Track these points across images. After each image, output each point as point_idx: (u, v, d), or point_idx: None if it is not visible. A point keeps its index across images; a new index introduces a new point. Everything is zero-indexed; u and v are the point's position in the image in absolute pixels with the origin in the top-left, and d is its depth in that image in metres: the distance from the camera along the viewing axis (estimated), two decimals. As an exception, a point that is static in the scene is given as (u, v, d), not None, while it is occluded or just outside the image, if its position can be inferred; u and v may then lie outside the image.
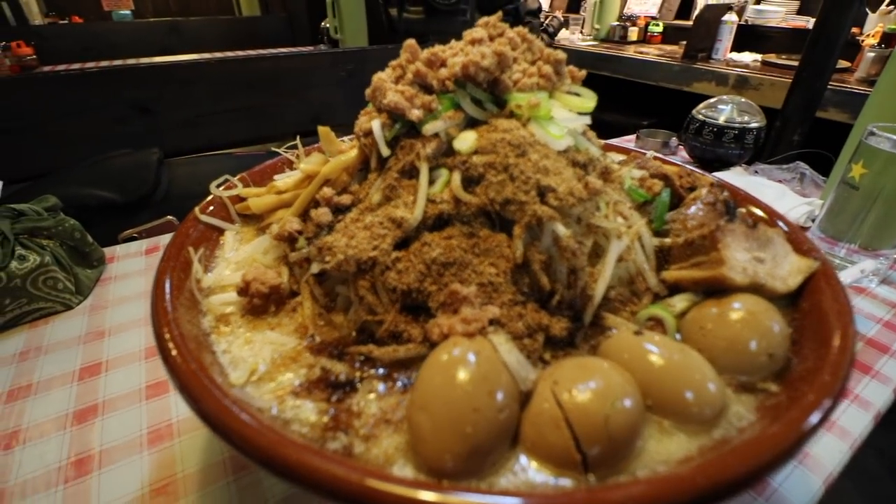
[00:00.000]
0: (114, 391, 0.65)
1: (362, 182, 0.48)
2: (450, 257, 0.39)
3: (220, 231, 0.54)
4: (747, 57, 2.87)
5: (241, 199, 0.57)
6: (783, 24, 3.11)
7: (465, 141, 0.42)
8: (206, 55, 2.81)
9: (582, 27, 3.86)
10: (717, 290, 0.41)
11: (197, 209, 0.53)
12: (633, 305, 0.43)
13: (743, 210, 0.57)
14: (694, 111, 1.41)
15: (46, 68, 2.52)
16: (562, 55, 0.46)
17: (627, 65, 3.24)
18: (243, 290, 0.43)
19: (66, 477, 0.53)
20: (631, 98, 3.40)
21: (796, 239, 0.50)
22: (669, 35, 3.58)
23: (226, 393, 0.31)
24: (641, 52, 3.30)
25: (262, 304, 0.43)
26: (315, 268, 0.41)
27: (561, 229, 0.39)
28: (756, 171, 1.37)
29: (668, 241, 0.47)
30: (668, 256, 0.47)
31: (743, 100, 1.38)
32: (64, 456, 0.56)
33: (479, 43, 0.45)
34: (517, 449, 0.31)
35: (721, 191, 0.52)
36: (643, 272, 0.43)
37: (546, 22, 3.52)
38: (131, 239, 1.09)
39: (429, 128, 0.43)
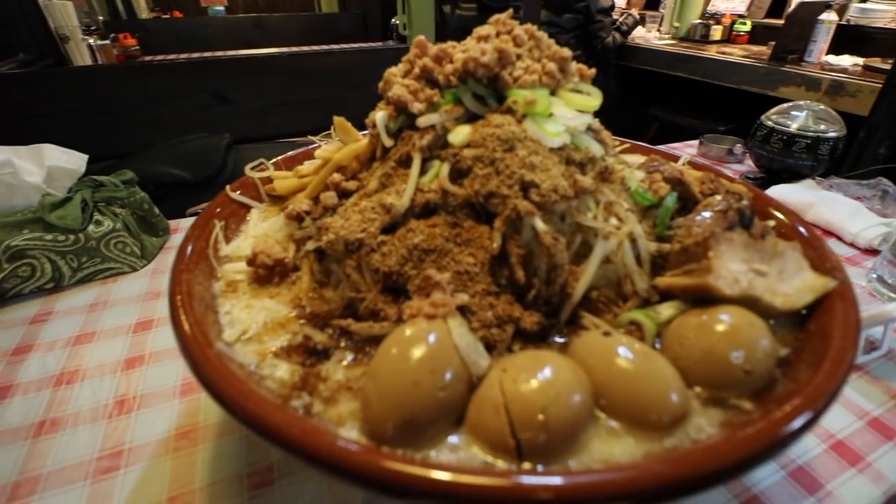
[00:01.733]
0: (159, 346, 0.73)
1: (370, 170, 0.51)
2: (431, 244, 0.41)
3: (248, 208, 0.60)
4: (846, 60, 2.58)
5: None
6: (892, 25, 2.75)
7: (459, 134, 0.43)
8: (281, 49, 3.01)
9: (660, 25, 3.66)
10: (705, 299, 0.40)
11: (228, 187, 0.59)
12: (618, 308, 0.43)
13: (768, 222, 0.53)
14: (763, 116, 1.31)
15: (147, 58, 2.83)
16: (567, 53, 0.46)
17: (707, 65, 3.03)
18: (251, 261, 0.47)
19: (111, 413, 0.61)
20: (708, 102, 3.19)
21: (819, 256, 0.46)
22: (758, 35, 3.30)
23: (211, 347, 0.35)
24: (724, 53, 3.07)
25: (266, 274, 0.47)
26: (311, 245, 0.45)
27: (540, 224, 0.39)
28: (831, 186, 1.25)
29: (667, 246, 0.46)
30: (667, 263, 0.46)
31: (821, 106, 1.25)
32: (111, 395, 0.64)
33: (486, 40, 0.46)
34: (461, 429, 0.33)
35: (738, 198, 0.49)
36: (631, 275, 0.43)
37: (620, 20, 3.39)
38: (196, 214, 1.21)
39: (423, 120, 0.44)
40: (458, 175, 0.43)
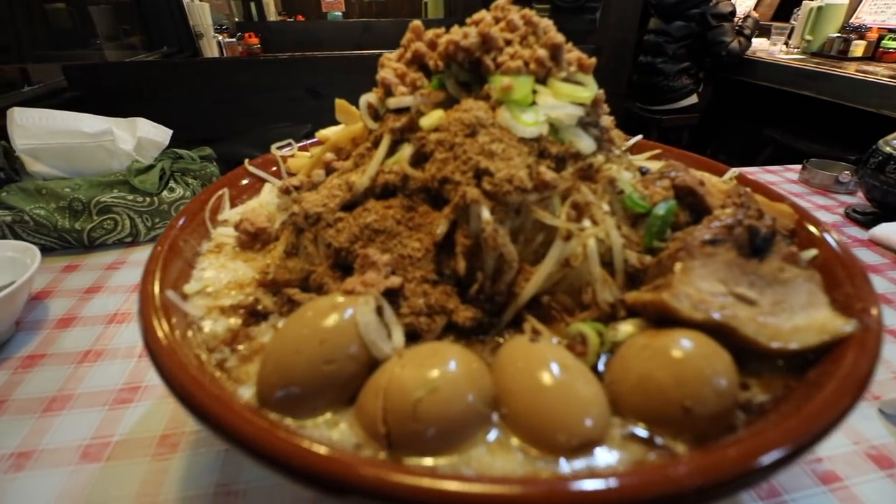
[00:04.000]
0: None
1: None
2: (382, 225, 0.41)
3: (263, 181, 0.64)
4: None
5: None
6: None
7: (430, 118, 0.42)
8: (373, 51, 3.18)
9: (788, 38, 3.24)
10: (669, 321, 0.34)
11: (247, 161, 0.64)
12: (572, 318, 0.39)
13: (807, 251, 0.45)
14: (881, 141, 1.10)
15: (267, 56, 3.17)
16: (559, 39, 0.43)
17: (842, 85, 2.62)
18: (236, 226, 0.51)
19: (140, 354, 0.69)
20: (836, 126, 2.76)
21: (855, 294, 0.38)
22: (915, 52, 2.78)
23: (162, 293, 0.38)
24: (865, 72, 2.64)
25: (248, 240, 0.50)
26: (281, 216, 0.47)
27: (485, 214, 0.37)
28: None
29: (648, 258, 0.40)
30: (645, 277, 0.40)
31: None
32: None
33: (477, 25, 0.45)
34: (350, 409, 0.32)
35: (757, 215, 0.42)
36: (592, 283, 0.38)
37: (741, 23, 3.08)
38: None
39: (392, 102, 0.44)
40: (422, 159, 0.42)
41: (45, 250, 0.95)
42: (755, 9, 3.69)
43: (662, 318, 0.34)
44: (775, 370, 0.34)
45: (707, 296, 0.33)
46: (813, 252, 0.46)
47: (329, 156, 0.52)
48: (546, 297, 0.39)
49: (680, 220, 0.45)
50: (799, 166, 1.36)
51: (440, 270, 0.39)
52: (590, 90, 0.43)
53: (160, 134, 1.06)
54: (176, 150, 1.08)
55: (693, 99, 3.18)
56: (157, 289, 0.39)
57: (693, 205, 0.46)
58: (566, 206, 0.39)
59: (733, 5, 2.96)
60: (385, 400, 0.29)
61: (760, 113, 3.19)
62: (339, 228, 0.42)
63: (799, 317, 0.34)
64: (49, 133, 0.97)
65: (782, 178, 1.36)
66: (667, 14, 3.06)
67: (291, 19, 4.44)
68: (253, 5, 4.04)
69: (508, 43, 0.44)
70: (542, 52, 0.43)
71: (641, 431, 0.30)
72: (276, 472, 0.25)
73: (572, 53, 0.45)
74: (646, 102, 3.30)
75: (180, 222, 0.50)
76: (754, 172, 1.39)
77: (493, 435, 0.30)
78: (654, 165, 0.55)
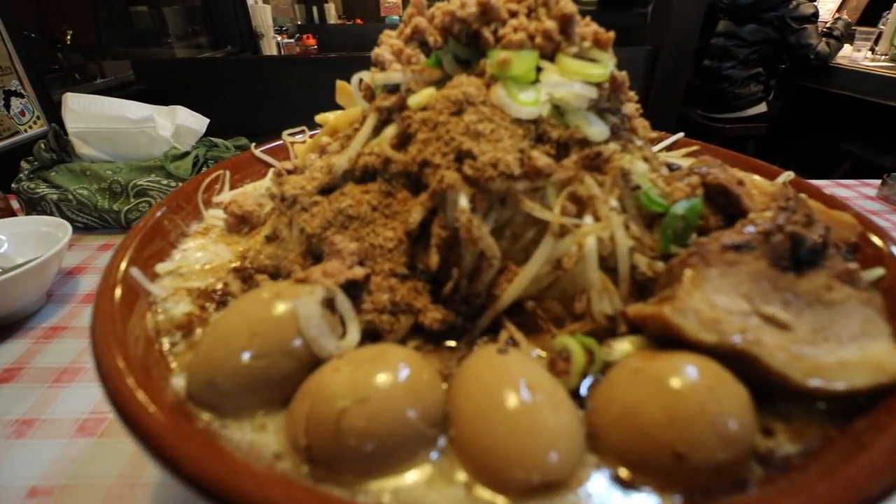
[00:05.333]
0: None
1: (356, 135, 0.49)
2: (357, 211, 0.37)
3: (270, 167, 0.63)
4: None
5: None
6: None
7: (419, 96, 0.38)
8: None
9: (874, 43, 2.92)
10: (675, 342, 0.28)
11: (253, 145, 0.63)
12: (563, 330, 0.33)
13: (873, 270, 0.36)
14: None
15: (313, 54, 3.26)
16: (571, 8, 0.37)
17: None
18: (225, 208, 0.49)
19: None
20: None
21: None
22: None
23: (127, 271, 0.37)
24: (970, 80, 2.32)
25: (235, 223, 0.48)
26: (257, 197, 0.44)
27: (462, 202, 0.32)
28: None
29: (661, 265, 0.34)
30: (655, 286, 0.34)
31: None
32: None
33: (482, -6, 0.40)
34: (284, 412, 0.28)
35: (805, 221, 0.34)
36: (587, 290, 0.32)
37: (829, 24, 2.82)
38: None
39: (379, 77, 0.40)
40: (407, 141, 0.38)
41: (88, 229, 1.00)
42: (839, 11, 3.36)
43: (668, 339, 0.28)
44: (812, 415, 0.27)
45: (723, 314, 0.26)
46: (878, 272, 0.37)
47: (325, 139, 0.49)
48: (531, 303, 0.33)
49: (710, 223, 0.38)
50: (878, 181, 1.19)
51: (413, 264, 0.35)
52: (604, 67, 0.37)
53: (197, 122, 1.09)
54: (212, 138, 1.11)
55: (761, 107, 2.94)
56: (123, 266, 0.38)
57: (727, 207, 0.39)
58: (562, 198, 0.33)
59: (816, 7, 2.71)
60: (310, 407, 0.25)
61: (838, 125, 2.89)
62: (314, 213, 0.39)
63: (848, 349, 0.27)
64: (97, 118, 1.01)
65: (857, 192, 1.19)
66: (739, 16, 2.85)
67: (350, 23, 4.56)
68: (315, 9, 4.19)
69: (514, 15, 0.39)
70: (549, 24, 0.37)
71: (623, 476, 0.24)
72: (167, 473, 0.22)
73: (588, 28, 0.39)
74: (708, 110, 3.09)
75: (170, 201, 0.49)
76: (823, 185, 1.23)
77: (433, 462, 0.25)
78: (688, 163, 0.48)
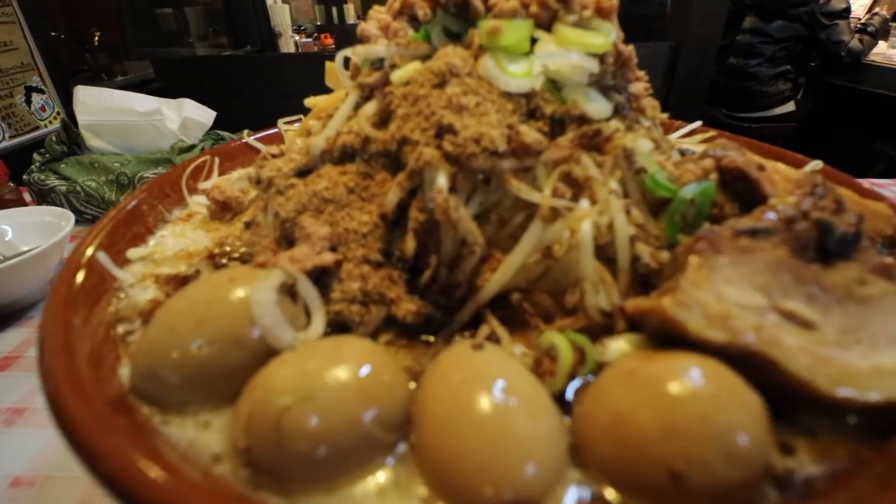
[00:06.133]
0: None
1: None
2: (333, 194, 0.34)
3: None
4: None
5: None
6: None
7: (403, 70, 0.35)
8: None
9: (916, 38, 2.77)
10: (679, 341, 0.24)
11: (245, 132, 0.61)
12: (552, 326, 0.29)
13: (888, 260, 0.32)
14: None
15: (327, 52, 3.26)
16: (570, -28, 0.33)
17: None
18: (207, 194, 0.47)
19: None
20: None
21: None
22: None
23: (94, 255, 0.35)
24: None
25: (217, 209, 0.46)
26: (242, 183, 0.42)
27: (440, 180, 0.29)
28: None
29: (665, 255, 0.30)
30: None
31: None
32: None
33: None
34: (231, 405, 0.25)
35: (835, 208, 0.29)
36: (581, 283, 0.28)
37: (865, 20, 2.69)
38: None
39: (360, 50, 0.37)
40: (389, 118, 0.35)
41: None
42: (874, 6, 3.21)
43: (670, 338, 0.24)
44: (841, 431, 0.23)
45: (735, 309, 0.22)
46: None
47: (312, 122, 0.47)
48: (518, 296, 0.30)
49: (725, 212, 0.34)
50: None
51: (390, 252, 0.32)
52: (605, 36, 0.33)
53: (204, 115, 1.08)
54: (219, 131, 1.10)
55: (789, 107, 2.82)
56: (90, 251, 0.36)
57: (745, 193, 0.35)
58: (553, 178, 0.30)
59: (847, 1, 2.59)
60: (252, 404, 0.22)
61: (871, 124, 2.75)
62: (289, 196, 0.36)
63: (885, 354, 0.23)
64: (106, 110, 1.02)
65: (892, 192, 1.12)
66: (766, 12, 2.75)
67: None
68: (334, 9, 4.22)
69: (508, -19, 0.36)
70: (546, -10, 0.34)
71: (609, 498, 0.21)
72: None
73: (591, -6, 0.35)
74: (733, 109, 2.98)
75: (152, 186, 0.47)
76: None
77: (390, 471, 0.22)
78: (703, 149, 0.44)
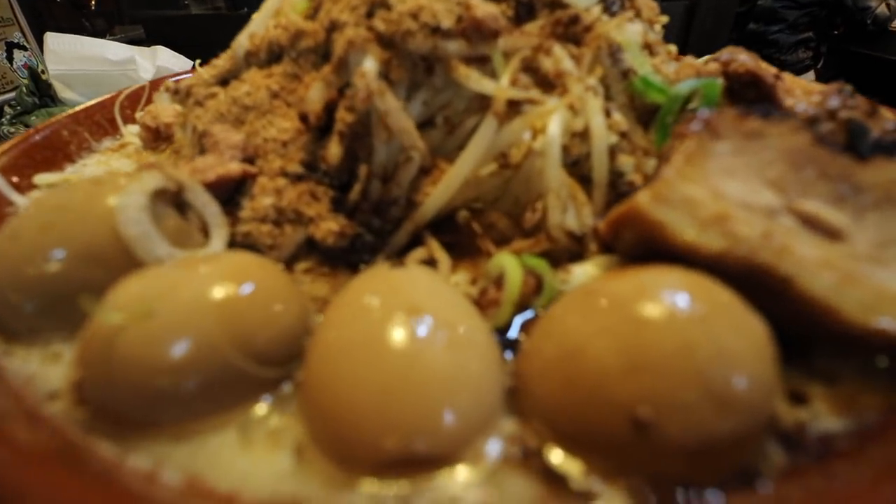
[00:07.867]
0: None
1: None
2: (254, 100, 0.28)
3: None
4: None
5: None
6: None
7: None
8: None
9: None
10: (666, 257, 0.18)
11: (198, 62, 0.55)
12: (508, 248, 0.23)
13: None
14: None
15: None
16: None
17: None
18: (140, 122, 0.41)
19: None
20: None
21: None
22: None
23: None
24: None
25: (150, 138, 0.40)
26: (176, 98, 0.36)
27: (367, 63, 0.22)
28: None
29: (652, 164, 0.24)
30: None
31: None
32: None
33: None
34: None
35: (870, 110, 0.23)
36: (544, 198, 0.23)
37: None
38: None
39: None
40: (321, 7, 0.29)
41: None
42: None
43: (652, 254, 0.18)
44: (869, 376, 0.17)
45: (736, 208, 0.16)
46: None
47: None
48: (465, 214, 0.24)
49: (731, 126, 0.28)
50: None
51: (314, 164, 0.26)
52: None
53: (179, 63, 1.02)
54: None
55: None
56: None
57: (758, 102, 0.28)
58: (512, 65, 0.23)
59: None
60: (89, 327, 0.16)
61: (895, 95, 2.61)
62: (208, 107, 0.30)
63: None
64: (78, 59, 0.96)
65: None
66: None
67: None
68: None
69: None
70: None
71: (555, 456, 0.15)
72: None
73: None
74: (751, 78, 2.84)
75: (79, 114, 0.42)
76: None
77: (263, 416, 0.16)
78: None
